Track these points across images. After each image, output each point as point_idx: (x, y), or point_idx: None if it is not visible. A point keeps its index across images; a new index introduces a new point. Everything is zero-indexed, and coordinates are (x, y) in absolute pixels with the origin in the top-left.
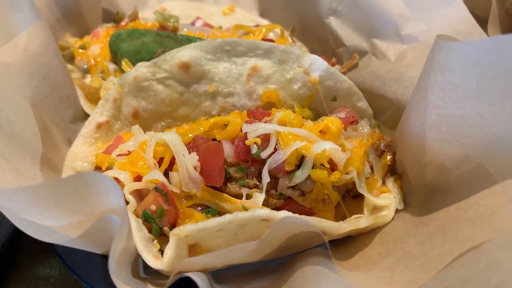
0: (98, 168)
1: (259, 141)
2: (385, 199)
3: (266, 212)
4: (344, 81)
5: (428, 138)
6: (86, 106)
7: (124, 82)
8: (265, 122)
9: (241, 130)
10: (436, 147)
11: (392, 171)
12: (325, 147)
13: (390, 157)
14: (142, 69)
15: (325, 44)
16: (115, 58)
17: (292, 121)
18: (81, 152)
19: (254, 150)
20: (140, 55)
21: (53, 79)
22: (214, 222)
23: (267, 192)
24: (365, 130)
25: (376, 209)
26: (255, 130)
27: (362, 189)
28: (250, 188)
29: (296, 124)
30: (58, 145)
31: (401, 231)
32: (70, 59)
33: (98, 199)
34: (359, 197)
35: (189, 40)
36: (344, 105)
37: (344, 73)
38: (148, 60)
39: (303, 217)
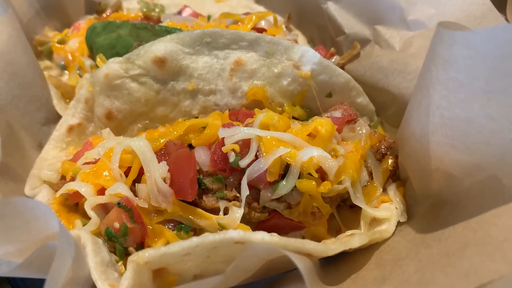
0: (63, 177)
1: (237, 147)
2: (385, 211)
3: (239, 234)
4: (340, 75)
5: (432, 142)
6: (59, 107)
7: (96, 80)
8: (246, 125)
9: None
10: (441, 153)
11: (395, 176)
12: (313, 154)
13: (392, 161)
14: (114, 65)
15: (324, 32)
16: (92, 53)
17: (276, 124)
18: (51, 157)
19: (232, 158)
20: (116, 49)
21: (22, 78)
22: (179, 246)
23: (248, 205)
24: (363, 130)
25: (375, 221)
26: (232, 135)
27: (358, 200)
28: (229, 200)
29: (280, 127)
30: (26, 151)
31: (401, 250)
32: (49, 54)
33: (36, 225)
34: (357, 207)
35: (167, 32)
36: (341, 101)
37: (344, 64)
38: (123, 54)
39: (283, 239)
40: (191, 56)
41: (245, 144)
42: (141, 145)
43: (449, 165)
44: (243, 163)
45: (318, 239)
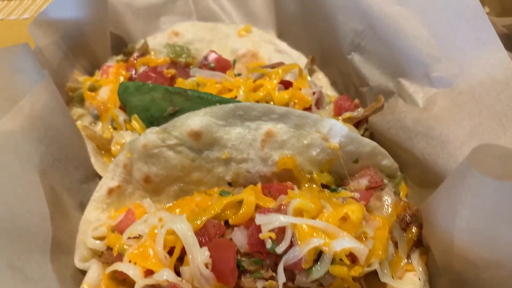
0: (109, 249)
1: (273, 235)
2: (409, 285)
3: None
4: (367, 144)
5: (456, 238)
6: (97, 165)
7: (133, 148)
8: (280, 206)
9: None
10: (465, 246)
11: (418, 242)
12: (345, 246)
13: (416, 229)
14: (151, 136)
15: (347, 79)
16: (125, 107)
17: (310, 210)
18: (94, 219)
19: (268, 245)
20: (150, 112)
21: (61, 140)
22: None
23: (284, 285)
24: (389, 200)
25: None
26: (269, 223)
27: (385, 277)
28: (266, 280)
29: (313, 212)
30: (70, 214)
31: None
32: (81, 100)
33: None
34: None
35: (200, 98)
36: (367, 166)
37: (367, 116)
38: (157, 117)
39: None
40: (224, 128)
41: (280, 230)
42: (183, 228)
43: (472, 256)
44: (279, 250)
45: None
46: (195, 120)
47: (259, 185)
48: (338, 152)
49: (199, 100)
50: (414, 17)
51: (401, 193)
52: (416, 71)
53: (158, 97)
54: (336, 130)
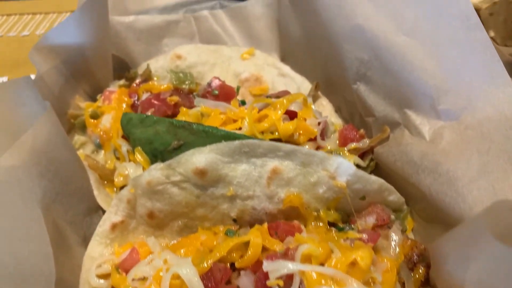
0: None
1: (281, 282)
2: None
3: None
4: (374, 182)
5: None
6: (100, 198)
7: (137, 185)
8: (288, 248)
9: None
10: None
11: (425, 282)
12: None
13: (423, 269)
14: (156, 172)
15: (352, 106)
16: (128, 138)
17: (318, 256)
18: (98, 255)
19: None
20: (154, 145)
21: (64, 174)
22: None
23: None
24: (397, 240)
25: None
26: (277, 270)
27: None
28: None
29: (322, 258)
30: (73, 250)
31: None
32: (83, 127)
33: None
34: None
35: (205, 132)
36: (374, 203)
37: (373, 146)
38: (162, 151)
39: None
40: (229, 165)
41: (288, 277)
42: (188, 273)
43: None
44: None
45: None
46: (200, 158)
47: (265, 225)
48: (345, 191)
49: (204, 134)
50: (421, 48)
51: (407, 227)
52: (422, 103)
53: (163, 130)
54: (343, 169)
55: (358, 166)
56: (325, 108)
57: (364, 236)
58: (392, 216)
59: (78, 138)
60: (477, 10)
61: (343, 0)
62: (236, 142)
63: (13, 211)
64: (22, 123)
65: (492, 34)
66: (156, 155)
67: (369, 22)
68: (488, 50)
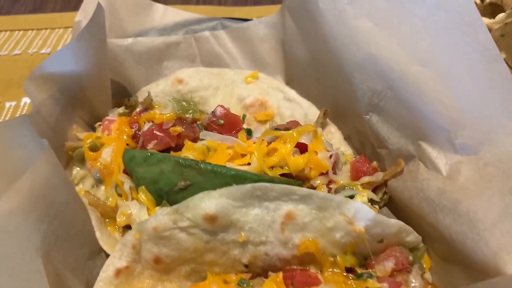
0: None
1: None
2: None
3: None
4: (393, 226)
5: None
6: (102, 240)
7: (143, 230)
8: None
9: None
10: None
11: None
12: None
13: None
14: (163, 218)
15: (363, 137)
16: (130, 175)
17: None
18: None
19: None
20: (159, 185)
21: (64, 217)
22: None
23: None
24: (417, 286)
25: None
26: None
27: None
28: None
29: None
30: None
31: None
32: (81, 160)
33: None
34: None
35: (213, 172)
36: (392, 245)
37: (387, 180)
38: (167, 191)
39: None
40: (241, 209)
41: None
42: None
43: None
44: None
45: None
46: (210, 203)
47: (280, 275)
48: (364, 236)
49: (213, 174)
50: (436, 79)
51: (425, 267)
52: (438, 136)
53: (168, 169)
54: (362, 214)
55: (372, 200)
56: (333, 136)
57: (385, 285)
58: (410, 257)
59: (77, 172)
60: (489, 30)
61: (353, 29)
62: (248, 186)
63: (12, 262)
64: (20, 165)
65: (503, 55)
66: (162, 195)
67: (382, 52)
68: (508, 82)
